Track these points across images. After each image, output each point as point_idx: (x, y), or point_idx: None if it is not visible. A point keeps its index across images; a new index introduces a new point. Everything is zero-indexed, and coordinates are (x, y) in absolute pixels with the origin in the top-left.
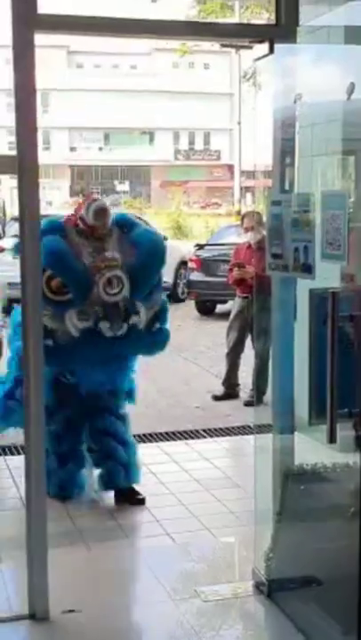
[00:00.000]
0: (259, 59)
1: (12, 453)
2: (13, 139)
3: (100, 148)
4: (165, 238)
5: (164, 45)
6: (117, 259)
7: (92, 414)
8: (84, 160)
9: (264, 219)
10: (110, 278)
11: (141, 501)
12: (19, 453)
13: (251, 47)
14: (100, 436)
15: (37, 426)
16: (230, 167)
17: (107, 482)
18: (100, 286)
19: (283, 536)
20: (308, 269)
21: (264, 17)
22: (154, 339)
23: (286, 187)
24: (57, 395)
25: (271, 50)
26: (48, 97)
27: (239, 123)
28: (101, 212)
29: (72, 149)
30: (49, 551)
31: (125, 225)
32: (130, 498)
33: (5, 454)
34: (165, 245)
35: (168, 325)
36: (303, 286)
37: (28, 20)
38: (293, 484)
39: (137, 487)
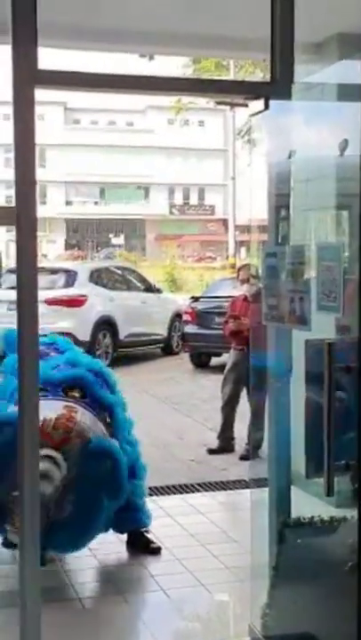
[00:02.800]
0: (255, 114)
1: None
2: (11, 192)
3: (96, 203)
4: (160, 290)
5: (160, 103)
6: None
7: None
8: (79, 214)
9: (259, 271)
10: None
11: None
12: None
13: (246, 105)
14: None
15: (32, 481)
16: (225, 221)
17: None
18: None
19: (279, 592)
20: (303, 321)
21: (258, 76)
22: None
23: (281, 240)
24: None
25: (266, 107)
26: (45, 152)
27: (233, 178)
28: None
29: (68, 203)
30: (42, 607)
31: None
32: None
33: None
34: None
35: None
36: (300, 338)
37: (28, 76)
38: (290, 538)
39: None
